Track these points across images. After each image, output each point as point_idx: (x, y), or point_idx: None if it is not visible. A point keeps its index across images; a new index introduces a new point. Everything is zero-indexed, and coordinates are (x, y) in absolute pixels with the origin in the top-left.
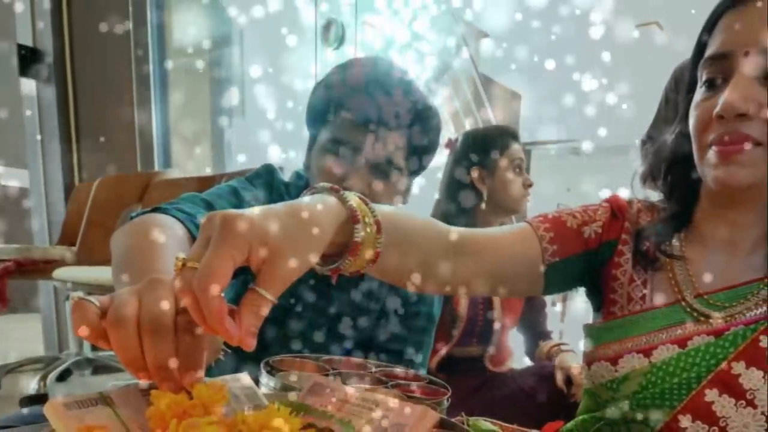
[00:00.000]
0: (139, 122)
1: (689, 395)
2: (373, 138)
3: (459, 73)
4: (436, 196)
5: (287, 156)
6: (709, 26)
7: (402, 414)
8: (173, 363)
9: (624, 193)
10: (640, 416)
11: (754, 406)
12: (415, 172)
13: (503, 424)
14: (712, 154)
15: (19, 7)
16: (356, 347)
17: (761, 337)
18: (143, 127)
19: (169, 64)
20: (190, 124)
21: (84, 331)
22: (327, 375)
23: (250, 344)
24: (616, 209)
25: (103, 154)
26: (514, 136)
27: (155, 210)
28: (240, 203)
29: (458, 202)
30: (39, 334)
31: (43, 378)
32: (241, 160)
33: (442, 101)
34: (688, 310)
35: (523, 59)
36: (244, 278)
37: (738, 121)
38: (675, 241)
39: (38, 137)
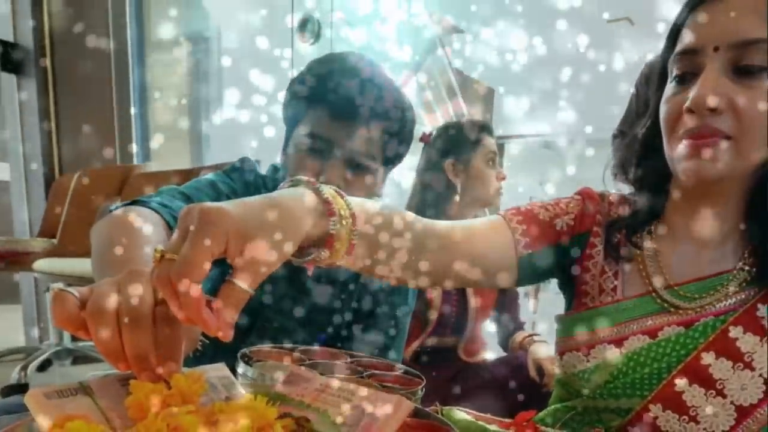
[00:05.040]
0: (118, 116)
1: (660, 385)
2: (348, 132)
3: (433, 67)
4: (411, 189)
5: (264, 149)
6: (680, 22)
7: (377, 403)
8: (152, 353)
9: (596, 187)
10: (611, 405)
11: (724, 396)
12: (389, 166)
13: (477, 413)
14: (682, 148)
15: (0, 3)
16: (332, 338)
17: (730, 328)
18: (122, 120)
19: (148, 58)
20: (169, 118)
21: (64, 322)
22: (303, 365)
23: (228, 335)
24: (588, 202)
25: (83, 148)
26: (487, 129)
27: (134, 203)
28: (218, 196)
29: (432, 195)
30: (20, 325)
31: (24, 368)
32: (218, 154)
33: (416, 95)
34: (659, 301)
35: (497, 54)
36: (222, 270)
37: (708, 116)
38: (646, 234)
39: (19, 131)
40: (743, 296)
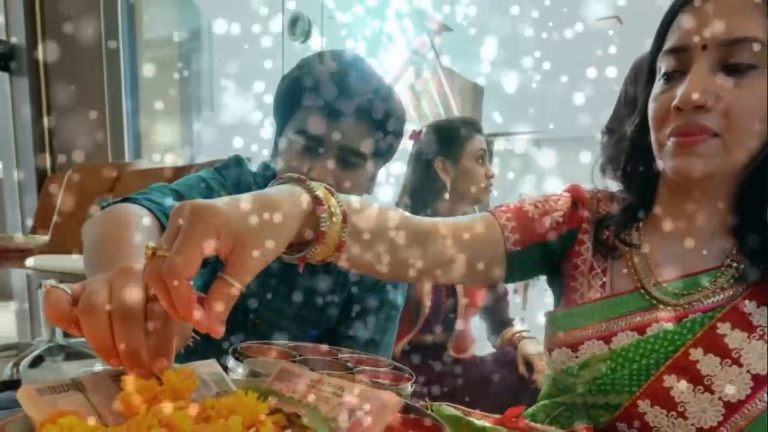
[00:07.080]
0: (110, 113)
1: (648, 381)
2: (339, 129)
3: (423, 65)
4: (401, 186)
5: (255, 147)
6: (668, 20)
7: (367, 399)
8: (143, 350)
9: (585, 184)
10: (600, 401)
11: (712, 392)
12: (379, 163)
13: (466, 409)
14: (670, 145)
15: None
16: (323, 334)
17: (718, 324)
18: (114, 118)
19: (140, 56)
20: (161, 116)
21: (56, 318)
22: (294, 361)
23: (219, 331)
24: (577, 199)
25: (75, 145)
26: (476, 127)
27: (126, 200)
28: (209, 193)
29: (422, 193)
30: (12, 321)
31: (16, 364)
32: (209, 151)
33: (406, 93)
34: (647, 297)
35: (487, 53)
36: (213, 267)
37: (696, 113)
38: (634, 231)
39: (11, 129)
40: (731, 293)
